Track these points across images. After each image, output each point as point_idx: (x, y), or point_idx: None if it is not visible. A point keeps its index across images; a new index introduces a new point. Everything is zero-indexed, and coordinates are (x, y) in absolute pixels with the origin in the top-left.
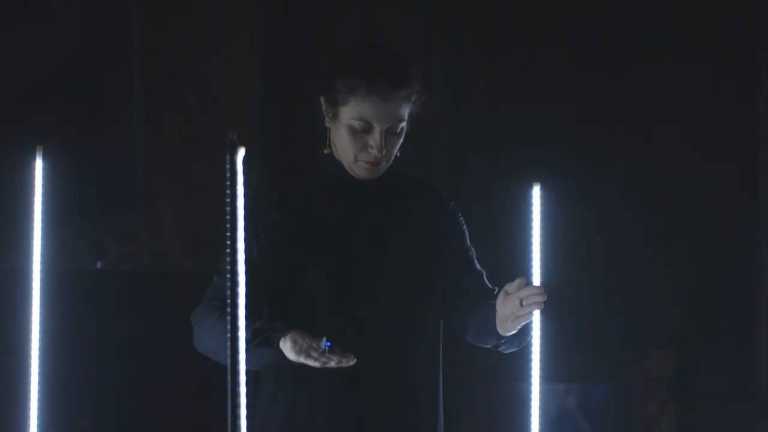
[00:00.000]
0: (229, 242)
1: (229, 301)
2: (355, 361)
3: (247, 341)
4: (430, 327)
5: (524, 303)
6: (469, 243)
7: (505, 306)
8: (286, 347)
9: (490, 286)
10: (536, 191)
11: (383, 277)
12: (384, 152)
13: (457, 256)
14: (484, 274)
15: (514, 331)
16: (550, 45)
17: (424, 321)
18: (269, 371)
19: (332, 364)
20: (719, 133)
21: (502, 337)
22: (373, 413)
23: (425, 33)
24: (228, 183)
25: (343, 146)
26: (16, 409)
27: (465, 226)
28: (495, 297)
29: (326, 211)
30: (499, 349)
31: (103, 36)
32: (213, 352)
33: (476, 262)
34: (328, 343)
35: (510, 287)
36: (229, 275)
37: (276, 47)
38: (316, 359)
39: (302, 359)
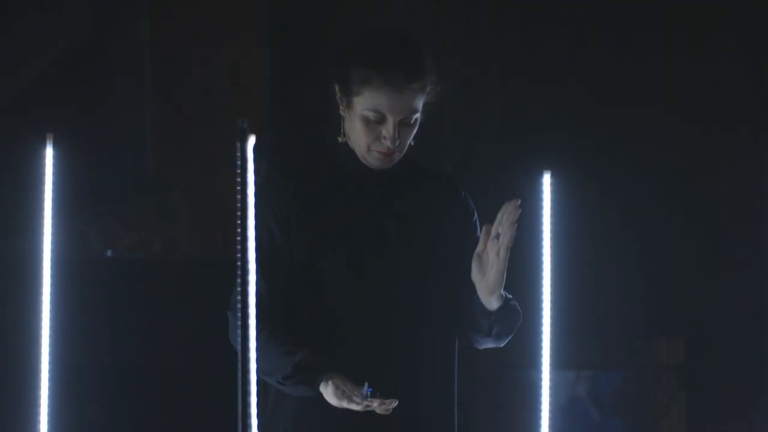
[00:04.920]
0: (239, 230)
1: (239, 289)
2: (396, 403)
3: (287, 376)
4: (446, 317)
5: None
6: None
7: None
8: (328, 392)
9: None
10: (546, 179)
11: (396, 267)
12: (397, 143)
13: (468, 248)
14: None
15: (497, 299)
16: (562, 30)
17: (440, 311)
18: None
19: (374, 406)
20: (735, 121)
21: (492, 314)
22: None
23: (436, 17)
24: (238, 171)
25: (356, 136)
26: (27, 396)
27: (476, 217)
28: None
29: (339, 201)
30: (492, 332)
31: (113, 24)
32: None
33: None
34: (370, 389)
35: (480, 246)
36: (240, 263)
37: (287, 33)
38: (358, 404)
39: (344, 404)
